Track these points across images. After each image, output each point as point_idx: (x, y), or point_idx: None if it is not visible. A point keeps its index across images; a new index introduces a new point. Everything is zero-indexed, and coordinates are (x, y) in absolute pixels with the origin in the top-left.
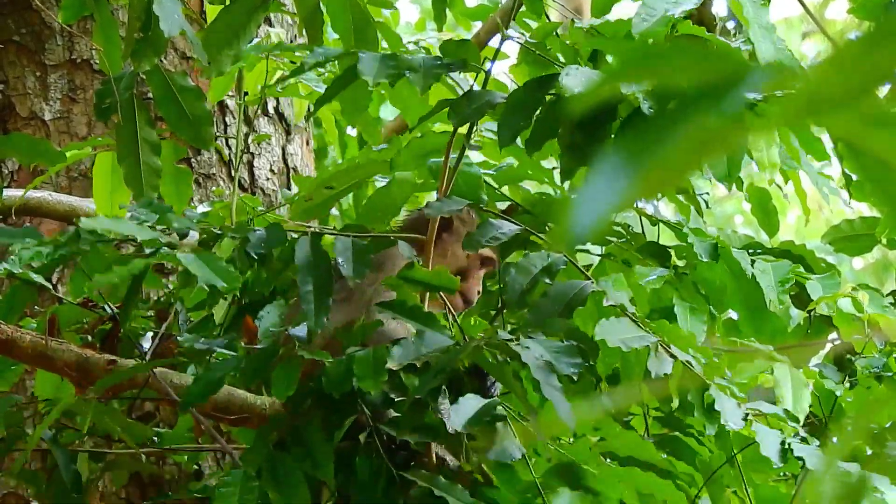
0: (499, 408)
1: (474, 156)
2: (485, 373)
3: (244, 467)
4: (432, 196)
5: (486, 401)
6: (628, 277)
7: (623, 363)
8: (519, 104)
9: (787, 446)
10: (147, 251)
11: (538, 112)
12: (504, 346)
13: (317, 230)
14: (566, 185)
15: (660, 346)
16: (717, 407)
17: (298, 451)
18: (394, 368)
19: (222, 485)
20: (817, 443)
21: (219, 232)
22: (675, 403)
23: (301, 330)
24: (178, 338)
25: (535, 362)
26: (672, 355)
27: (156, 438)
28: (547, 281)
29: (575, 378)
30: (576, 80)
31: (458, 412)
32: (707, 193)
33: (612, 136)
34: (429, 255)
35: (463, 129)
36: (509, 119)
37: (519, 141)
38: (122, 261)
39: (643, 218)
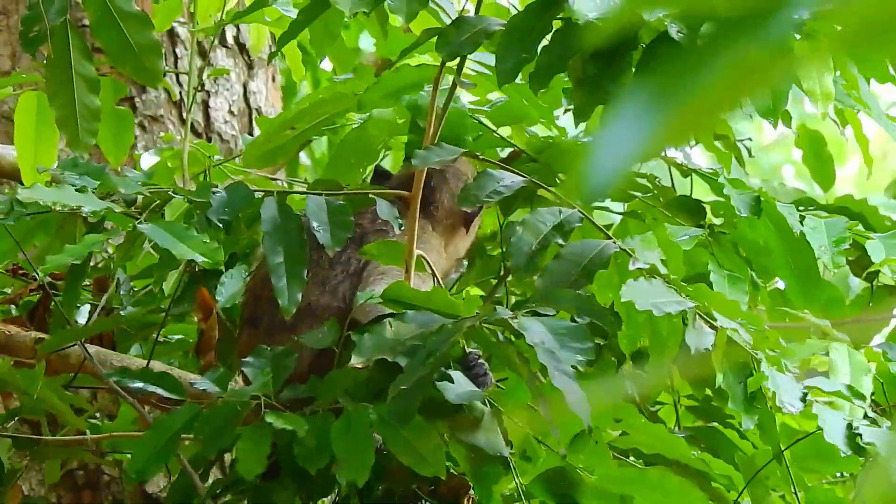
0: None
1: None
2: (472, 360)
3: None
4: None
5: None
6: (659, 235)
7: (653, 336)
8: (520, 31)
9: (854, 430)
10: (102, 222)
11: (544, 41)
12: (506, 324)
13: (283, 188)
14: (579, 127)
15: (698, 315)
16: (769, 385)
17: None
18: (358, 366)
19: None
20: (888, 424)
21: (174, 195)
22: (720, 380)
23: (255, 362)
24: (121, 311)
25: (540, 346)
26: (713, 326)
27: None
28: (560, 242)
29: (581, 368)
30: (589, 3)
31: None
32: (750, 139)
33: (633, 67)
34: (414, 214)
35: (452, 64)
36: (509, 49)
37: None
38: (45, 230)
39: (672, 168)
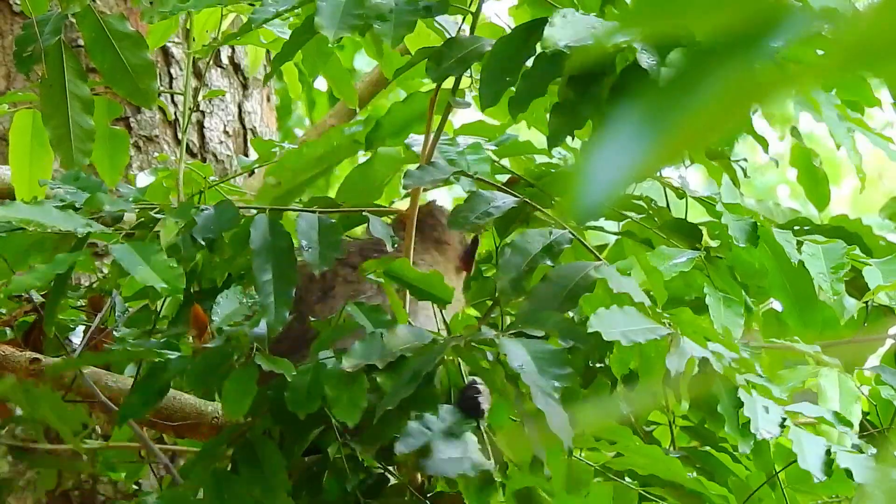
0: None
1: (469, 114)
2: (472, 389)
3: (183, 487)
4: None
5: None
6: (641, 260)
7: (642, 359)
8: (504, 56)
9: (831, 456)
10: (85, 241)
11: (528, 65)
12: (491, 344)
13: (275, 206)
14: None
15: (680, 340)
16: (745, 411)
17: (249, 473)
18: (348, 370)
19: (161, 498)
20: (873, 451)
21: (158, 215)
22: (685, 407)
23: (262, 329)
24: (115, 332)
25: (524, 369)
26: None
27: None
28: (548, 263)
29: (556, 395)
30: (563, 31)
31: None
32: (745, 160)
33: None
34: (409, 237)
35: (448, 84)
36: (493, 73)
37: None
38: (40, 250)
39: (668, 191)
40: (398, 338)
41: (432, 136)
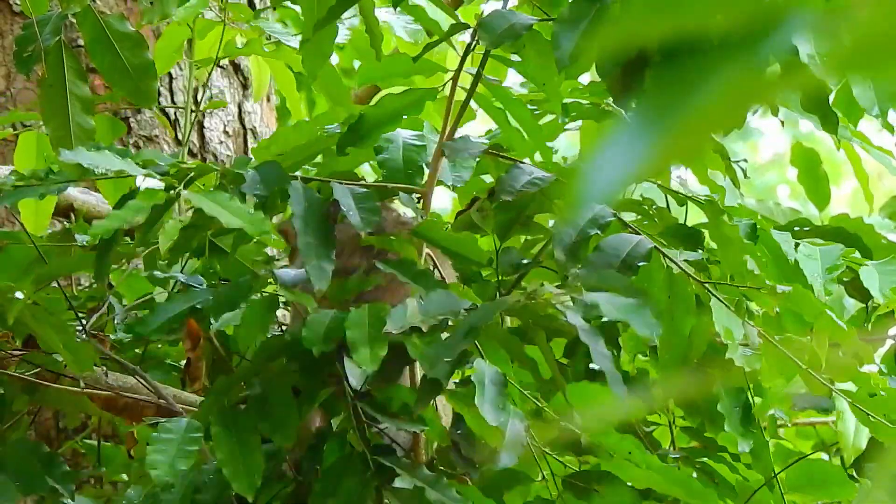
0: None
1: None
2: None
3: (192, 418)
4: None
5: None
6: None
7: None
8: (574, 18)
9: None
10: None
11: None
12: (557, 300)
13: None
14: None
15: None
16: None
17: (258, 409)
18: (393, 332)
19: (162, 430)
20: None
21: (212, 167)
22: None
23: (288, 274)
24: (112, 336)
25: (583, 325)
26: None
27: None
28: (598, 233)
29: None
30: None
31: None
32: (745, 160)
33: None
34: (427, 209)
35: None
36: (565, 34)
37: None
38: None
39: (668, 196)
40: (434, 303)
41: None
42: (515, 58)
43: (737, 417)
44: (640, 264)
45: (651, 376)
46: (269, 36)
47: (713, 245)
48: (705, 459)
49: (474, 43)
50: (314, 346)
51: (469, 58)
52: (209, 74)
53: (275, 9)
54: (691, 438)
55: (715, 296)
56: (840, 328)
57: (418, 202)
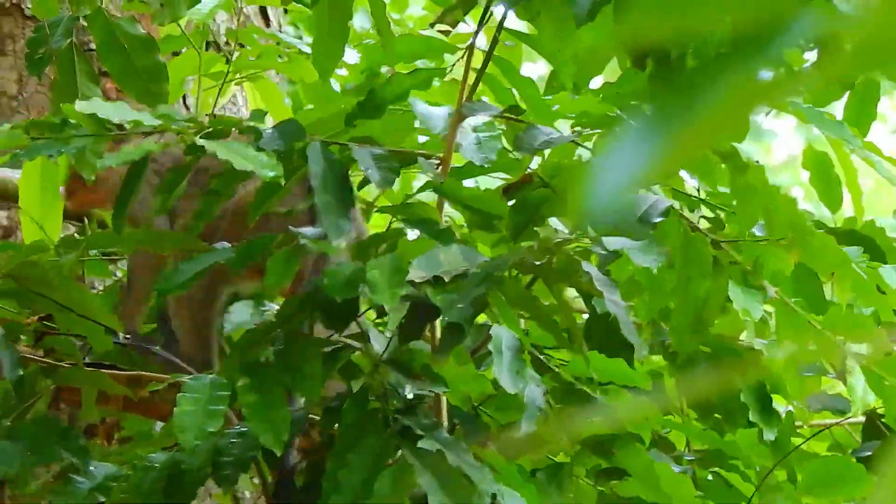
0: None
1: None
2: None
3: (218, 373)
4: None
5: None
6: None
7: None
8: None
9: None
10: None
11: None
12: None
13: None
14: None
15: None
16: None
17: (283, 362)
18: (417, 280)
19: (188, 389)
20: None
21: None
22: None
23: (310, 231)
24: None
25: (598, 273)
26: None
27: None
28: None
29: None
30: None
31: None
32: (758, 162)
33: None
34: (445, 174)
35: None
36: None
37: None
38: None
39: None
40: (454, 255)
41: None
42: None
43: (760, 405)
44: (657, 220)
45: (665, 380)
46: (281, 45)
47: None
48: (718, 469)
49: (487, 15)
50: (336, 294)
51: (483, 39)
52: (218, 95)
53: (286, 11)
54: (705, 442)
55: (729, 256)
56: (861, 278)
57: (437, 167)
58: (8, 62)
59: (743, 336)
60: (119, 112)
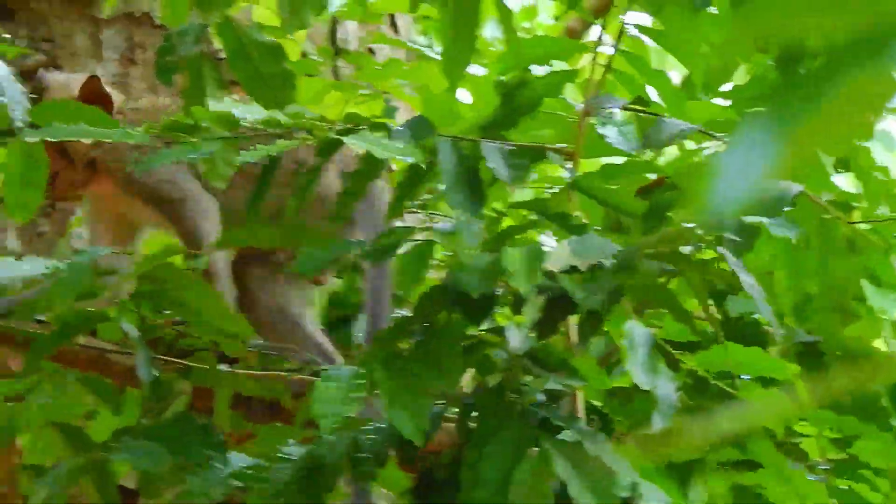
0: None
1: None
2: None
3: (356, 365)
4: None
5: None
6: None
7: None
8: None
9: None
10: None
11: None
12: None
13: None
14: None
15: None
16: None
17: (423, 356)
18: (555, 270)
19: (326, 378)
20: None
21: (346, 127)
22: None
23: (443, 225)
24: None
25: (736, 261)
26: None
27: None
28: None
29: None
30: None
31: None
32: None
33: None
34: (577, 168)
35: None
36: None
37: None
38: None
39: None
40: (588, 245)
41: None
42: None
43: None
44: (787, 208)
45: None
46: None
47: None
48: (849, 483)
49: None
50: (472, 290)
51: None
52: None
53: (416, 20)
54: (840, 451)
55: (864, 237)
56: None
57: (568, 160)
58: (138, 71)
59: (879, 340)
60: (250, 111)
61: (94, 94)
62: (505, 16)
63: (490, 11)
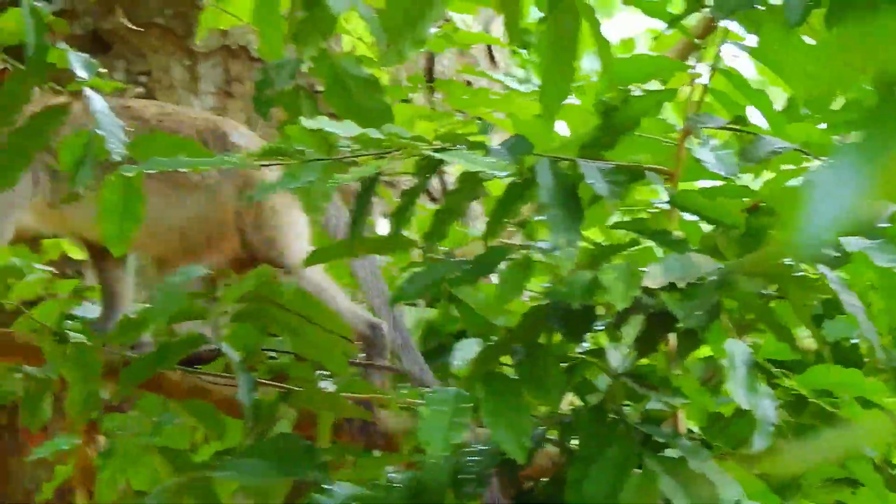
0: None
1: None
2: None
3: (460, 386)
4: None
5: None
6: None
7: None
8: None
9: None
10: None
11: None
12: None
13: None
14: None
15: None
16: None
17: (523, 374)
18: (654, 287)
19: (431, 401)
20: None
21: (442, 146)
22: None
23: (545, 244)
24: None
25: (832, 275)
26: None
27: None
28: None
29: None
30: None
31: None
32: None
33: None
34: (675, 184)
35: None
36: None
37: None
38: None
39: None
40: (687, 263)
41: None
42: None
43: None
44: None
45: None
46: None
47: None
48: None
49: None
50: (573, 300)
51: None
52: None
53: (513, 53)
54: None
55: None
56: None
57: (667, 181)
58: (237, 104)
59: None
60: (345, 128)
61: None
62: (603, 48)
63: (588, 45)
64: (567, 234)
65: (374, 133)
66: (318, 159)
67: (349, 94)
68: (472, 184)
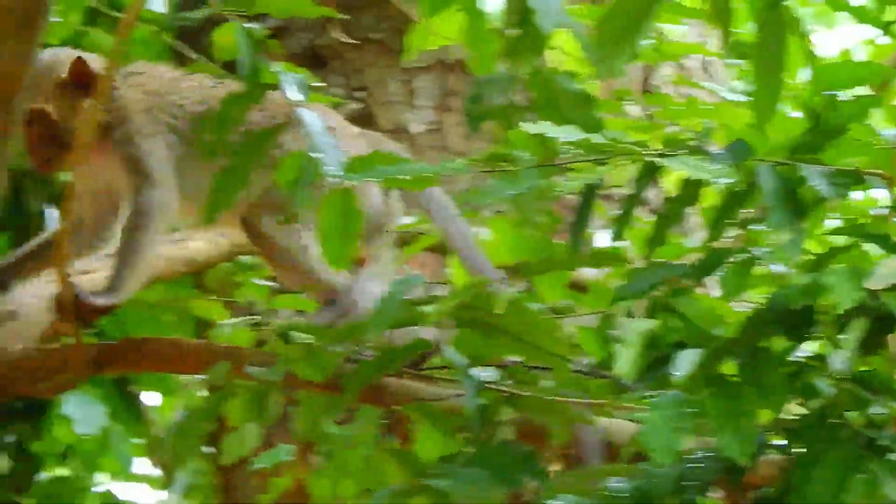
0: None
1: None
2: None
3: (682, 390)
4: None
5: None
6: None
7: None
8: None
9: None
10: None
11: None
12: None
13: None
14: None
15: None
16: None
17: (747, 378)
18: (876, 289)
19: (654, 407)
20: None
21: (663, 152)
22: None
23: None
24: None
25: None
26: None
27: None
28: None
29: None
30: None
31: None
32: None
33: None
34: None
35: None
36: None
37: None
38: None
39: None
40: None
41: None
42: None
43: None
44: None
45: None
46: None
47: None
48: None
49: None
50: (794, 301)
51: None
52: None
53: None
54: None
55: None
56: None
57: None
58: (453, 118)
59: None
60: (565, 132)
61: (81, 75)
62: (810, 57)
63: (799, 63)
64: (791, 230)
65: (596, 138)
66: (537, 166)
67: (559, 109)
68: (692, 190)
